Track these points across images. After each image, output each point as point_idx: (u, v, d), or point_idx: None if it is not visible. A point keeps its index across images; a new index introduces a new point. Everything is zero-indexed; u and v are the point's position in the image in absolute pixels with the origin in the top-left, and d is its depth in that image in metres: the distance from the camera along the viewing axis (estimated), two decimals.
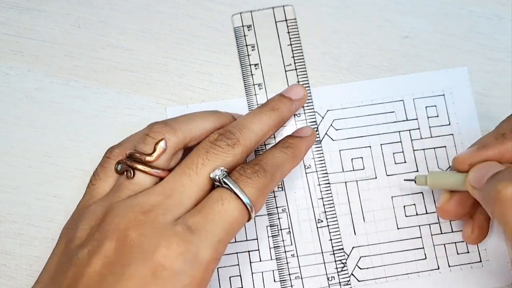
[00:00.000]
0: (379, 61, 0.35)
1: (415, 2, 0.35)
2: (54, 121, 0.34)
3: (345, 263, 0.32)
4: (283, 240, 0.32)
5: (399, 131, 0.34)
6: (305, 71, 0.34)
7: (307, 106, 0.34)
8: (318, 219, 0.32)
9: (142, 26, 0.35)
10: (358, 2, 0.35)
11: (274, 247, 0.32)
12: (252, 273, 0.32)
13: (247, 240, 0.32)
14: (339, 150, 0.33)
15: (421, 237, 0.32)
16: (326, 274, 0.32)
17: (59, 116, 0.34)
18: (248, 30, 0.34)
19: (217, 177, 0.27)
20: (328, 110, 0.34)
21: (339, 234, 0.32)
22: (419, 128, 0.34)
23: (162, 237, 0.25)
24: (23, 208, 0.33)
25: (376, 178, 0.33)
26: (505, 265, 0.32)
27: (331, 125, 0.34)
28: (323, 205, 0.33)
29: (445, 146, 0.33)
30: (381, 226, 0.32)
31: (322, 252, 0.32)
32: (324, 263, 0.32)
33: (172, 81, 0.35)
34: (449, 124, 0.34)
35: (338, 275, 0.32)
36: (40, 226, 0.33)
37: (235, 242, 0.32)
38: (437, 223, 0.32)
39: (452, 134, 0.34)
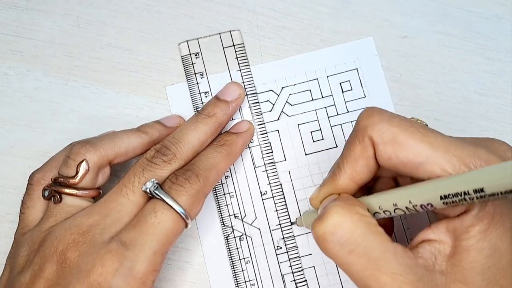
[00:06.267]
0: (378, 61, 0.35)
1: (414, 2, 0.35)
2: (54, 121, 0.34)
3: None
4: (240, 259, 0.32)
5: (315, 109, 0.34)
6: (256, 95, 0.34)
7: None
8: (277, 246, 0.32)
9: (141, 26, 0.35)
10: (357, 2, 0.35)
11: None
12: None
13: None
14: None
15: None
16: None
17: (59, 116, 0.34)
18: (196, 58, 0.34)
19: (148, 190, 0.27)
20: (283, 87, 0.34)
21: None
22: (334, 104, 0.34)
23: (97, 256, 0.25)
24: None
25: None
26: None
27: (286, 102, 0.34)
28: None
29: None
30: None
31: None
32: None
33: (172, 81, 0.35)
34: (365, 96, 0.34)
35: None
36: None
37: None
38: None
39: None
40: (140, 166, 0.28)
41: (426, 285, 0.21)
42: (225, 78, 0.34)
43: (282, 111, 0.34)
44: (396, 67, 0.35)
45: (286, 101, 0.34)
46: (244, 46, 0.34)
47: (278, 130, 0.34)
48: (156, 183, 0.27)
